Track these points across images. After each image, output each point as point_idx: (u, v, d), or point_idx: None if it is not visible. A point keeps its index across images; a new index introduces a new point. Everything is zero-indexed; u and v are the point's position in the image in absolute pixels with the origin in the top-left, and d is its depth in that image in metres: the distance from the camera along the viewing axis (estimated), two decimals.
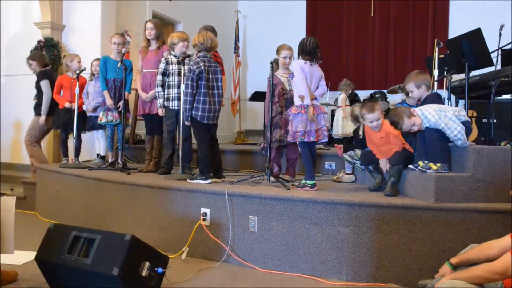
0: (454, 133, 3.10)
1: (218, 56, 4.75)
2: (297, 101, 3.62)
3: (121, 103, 4.95)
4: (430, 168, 3.14)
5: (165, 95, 4.52)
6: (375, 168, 3.70)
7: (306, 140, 3.58)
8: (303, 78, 3.59)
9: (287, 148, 4.34)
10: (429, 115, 3.17)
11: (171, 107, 4.51)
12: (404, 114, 3.21)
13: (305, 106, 3.55)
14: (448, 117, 3.13)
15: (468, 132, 3.19)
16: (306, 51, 3.65)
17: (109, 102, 4.95)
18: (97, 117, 5.11)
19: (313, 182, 3.57)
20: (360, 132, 4.46)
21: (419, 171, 3.20)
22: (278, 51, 4.32)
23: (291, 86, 4.25)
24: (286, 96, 4.24)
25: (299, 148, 4.33)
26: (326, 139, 3.72)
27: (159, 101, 4.52)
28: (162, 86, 4.51)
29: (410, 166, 3.32)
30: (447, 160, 3.20)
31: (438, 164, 3.13)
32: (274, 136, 4.24)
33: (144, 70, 4.85)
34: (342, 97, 6.16)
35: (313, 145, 3.75)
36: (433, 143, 3.20)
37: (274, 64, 4.20)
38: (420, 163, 3.22)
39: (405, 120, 3.20)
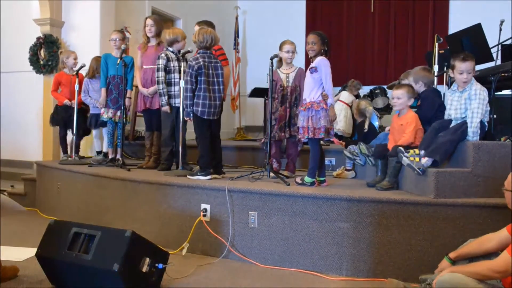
0: (480, 113, 3.08)
1: (221, 53, 4.71)
2: (315, 98, 3.57)
3: (126, 101, 4.96)
4: (416, 157, 3.12)
5: (168, 92, 4.49)
6: (383, 165, 3.65)
7: (323, 136, 3.56)
8: (330, 75, 3.55)
9: (286, 144, 4.34)
10: (478, 85, 3.16)
11: (172, 105, 4.49)
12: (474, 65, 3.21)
13: (320, 102, 3.54)
14: (486, 102, 3.13)
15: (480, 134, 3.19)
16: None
17: (102, 100, 4.95)
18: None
19: (312, 180, 3.57)
20: (366, 126, 4.45)
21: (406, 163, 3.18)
22: (281, 47, 4.27)
23: (289, 83, 4.24)
24: (283, 93, 4.22)
25: (298, 145, 4.34)
26: (332, 137, 3.70)
27: (164, 99, 4.43)
28: (163, 82, 4.47)
29: (400, 152, 3.25)
30: (443, 161, 3.14)
31: (425, 159, 3.09)
32: (273, 132, 4.23)
33: (144, 66, 4.84)
34: (345, 94, 6.17)
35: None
36: (445, 138, 3.15)
37: (277, 61, 4.19)
38: (412, 152, 3.18)
39: (473, 68, 3.18)
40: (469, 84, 3.19)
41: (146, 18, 4.91)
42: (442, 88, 4.57)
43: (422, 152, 3.14)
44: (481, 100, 3.10)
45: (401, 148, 3.24)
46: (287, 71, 4.27)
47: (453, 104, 3.29)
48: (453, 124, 3.28)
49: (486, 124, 3.22)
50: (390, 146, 3.55)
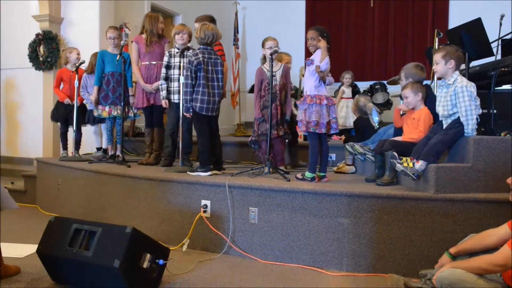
0: (473, 109, 3.05)
1: (219, 49, 4.71)
2: (310, 91, 3.57)
3: (131, 99, 4.99)
4: (410, 163, 3.12)
5: (168, 88, 4.55)
6: (381, 160, 3.64)
7: (317, 131, 3.55)
8: (323, 57, 3.50)
9: (274, 141, 4.31)
10: (464, 81, 3.09)
11: (172, 100, 4.52)
12: (450, 52, 3.15)
13: (319, 96, 3.53)
14: (475, 96, 3.08)
15: None
16: (328, 40, 3.60)
17: (93, 98, 4.96)
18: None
19: (312, 175, 3.57)
20: (375, 124, 4.44)
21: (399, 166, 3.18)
22: (263, 44, 4.25)
23: (276, 81, 4.22)
24: (271, 90, 4.20)
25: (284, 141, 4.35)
26: (336, 130, 3.70)
27: (162, 93, 4.53)
28: (165, 79, 4.54)
29: (393, 158, 3.26)
30: (435, 162, 3.12)
31: (419, 164, 3.09)
32: (260, 130, 4.24)
33: (153, 62, 4.82)
34: (347, 90, 6.24)
35: (324, 137, 3.70)
36: (436, 139, 3.13)
37: (262, 58, 4.25)
38: (404, 159, 3.17)
39: (446, 59, 3.13)
40: (451, 78, 3.15)
41: (158, 15, 4.90)
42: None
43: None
44: (470, 98, 3.05)
45: (395, 154, 3.24)
46: (273, 68, 4.22)
47: (441, 100, 3.25)
48: (443, 123, 3.26)
49: (478, 117, 3.20)
50: (403, 139, 3.54)
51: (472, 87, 3.09)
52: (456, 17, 7.43)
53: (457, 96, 3.09)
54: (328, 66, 3.52)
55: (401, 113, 3.73)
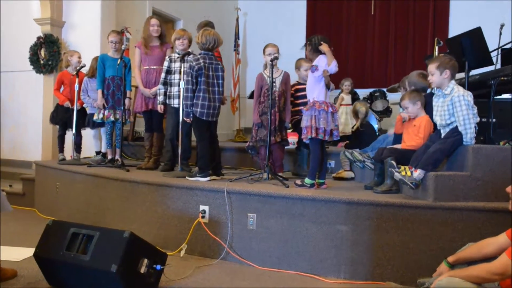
0: (472, 118, 3.06)
1: (217, 55, 4.72)
2: (319, 97, 3.57)
3: (126, 101, 4.97)
4: (408, 174, 3.12)
5: (167, 93, 4.56)
6: (381, 169, 3.65)
7: (323, 138, 3.55)
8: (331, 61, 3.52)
9: (272, 148, 4.31)
10: (460, 90, 3.09)
11: (172, 105, 4.53)
12: (444, 62, 3.15)
13: (326, 103, 3.55)
14: (472, 105, 3.07)
15: None
16: (314, 45, 3.64)
17: (100, 102, 4.95)
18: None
19: (312, 182, 3.57)
20: (355, 127, 4.48)
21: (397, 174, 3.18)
22: (264, 50, 4.29)
23: (276, 87, 4.22)
24: (271, 96, 4.21)
25: (281, 147, 4.33)
26: (337, 137, 3.69)
27: (159, 98, 4.56)
28: (164, 83, 4.55)
29: (392, 166, 3.26)
30: (433, 170, 3.12)
31: (417, 172, 3.09)
32: (258, 135, 4.24)
33: (151, 67, 4.84)
34: (347, 98, 6.29)
35: (324, 144, 3.71)
36: (435, 148, 3.13)
37: (264, 64, 4.28)
38: (403, 168, 3.18)
39: (441, 69, 3.12)
40: (447, 88, 3.15)
41: (151, 18, 4.91)
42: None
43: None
44: (468, 106, 3.05)
45: (393, 163, 3.24)
46: (273, 75, 4.23)
47: (438, 110, 3.25)
48: (441, 131, 3.27)
49: (476, 126, 3.20)
50: (402, 147, 3.55)
51: (469, 95, 3.10)
52: (457, 18, 7.47)
53: (455, 105, 3.10)
54: (337, 69, 3.52)
55: (403, 120, 3.74)
